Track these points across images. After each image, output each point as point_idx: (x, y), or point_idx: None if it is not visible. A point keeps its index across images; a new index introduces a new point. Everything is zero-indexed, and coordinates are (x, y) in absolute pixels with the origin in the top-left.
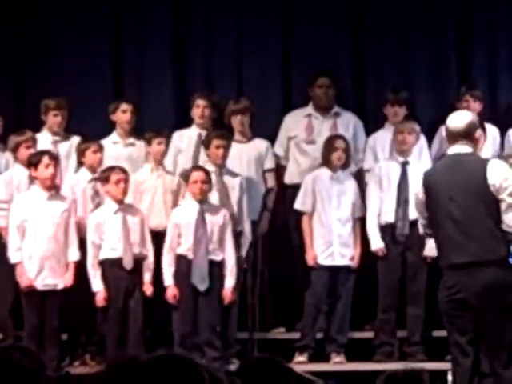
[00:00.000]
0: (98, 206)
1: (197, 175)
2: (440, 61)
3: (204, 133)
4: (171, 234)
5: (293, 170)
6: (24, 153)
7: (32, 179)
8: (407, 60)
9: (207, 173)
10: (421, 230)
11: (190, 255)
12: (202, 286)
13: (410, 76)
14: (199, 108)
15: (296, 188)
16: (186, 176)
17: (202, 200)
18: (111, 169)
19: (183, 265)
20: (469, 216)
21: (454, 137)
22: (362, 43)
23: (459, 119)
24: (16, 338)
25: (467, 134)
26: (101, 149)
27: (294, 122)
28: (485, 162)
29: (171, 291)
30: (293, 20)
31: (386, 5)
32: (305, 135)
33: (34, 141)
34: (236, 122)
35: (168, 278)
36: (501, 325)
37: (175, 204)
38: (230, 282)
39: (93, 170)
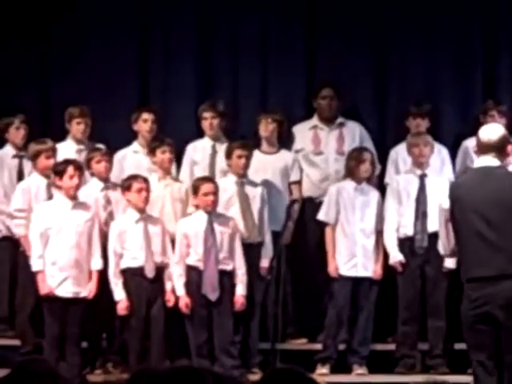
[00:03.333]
0: (110, 214)
1: (207, 187)
2: (465, 74)
3: (217, 143)
4: (180, 244)
5: (304, 182)
6: (43, 162)
7: (50, 188)
8: (431, 72)
9: (216, 184)
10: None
11: (201, 266)
12: (213, 296)
13: (434, 89)
14: (207, 120)
15: (309, 201)
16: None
17: (211, 210)
18: (133, 177)
19: (194, 275)
20: (496, 229)
21: (485, 148)
22: (386, 55)
23: (492, 132)
24: (36, 346)
25: (499, 147)
26: (105, 157)
27: (300, 135)
28: None
29: (183, 301)
30: (317, 31)
31: (410, 17)
32: (312, 147)
33: (54, 151)
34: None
35: (179, 289)
36: None
37: (184, 213)
38: (240, 289)
39: (102, 178)
